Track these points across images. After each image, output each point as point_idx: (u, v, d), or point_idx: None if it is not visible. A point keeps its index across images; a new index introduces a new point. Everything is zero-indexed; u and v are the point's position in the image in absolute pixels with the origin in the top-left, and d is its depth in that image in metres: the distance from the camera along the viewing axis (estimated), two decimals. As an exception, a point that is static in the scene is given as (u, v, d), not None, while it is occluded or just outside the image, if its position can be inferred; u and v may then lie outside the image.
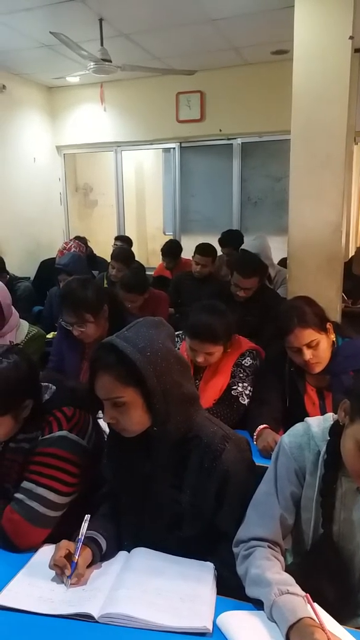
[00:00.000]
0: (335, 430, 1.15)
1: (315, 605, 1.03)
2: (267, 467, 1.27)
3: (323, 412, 1.92)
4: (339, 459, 1.12)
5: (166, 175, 5.99)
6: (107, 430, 1.38)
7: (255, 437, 1.86)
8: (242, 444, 1.31)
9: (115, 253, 4.11)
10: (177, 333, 2.17)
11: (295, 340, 1.87)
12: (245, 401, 2.05)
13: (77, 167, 6.62)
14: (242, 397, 2.05)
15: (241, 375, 2.08)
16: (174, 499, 1.26)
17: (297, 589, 1.03)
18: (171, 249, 4.79)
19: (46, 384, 1.47)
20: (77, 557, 1.15)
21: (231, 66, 4.91)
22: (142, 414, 1.20)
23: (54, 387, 1.47)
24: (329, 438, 1.17)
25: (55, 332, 2.72)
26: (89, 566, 1.19)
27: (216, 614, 1.06)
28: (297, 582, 1.07)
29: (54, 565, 1.15)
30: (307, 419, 1.26)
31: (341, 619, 1.03)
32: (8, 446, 1.40)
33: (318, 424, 1.22)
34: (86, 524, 1.20)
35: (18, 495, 1.32)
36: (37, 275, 5.04)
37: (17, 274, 4.00)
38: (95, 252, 5.12)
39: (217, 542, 1.26)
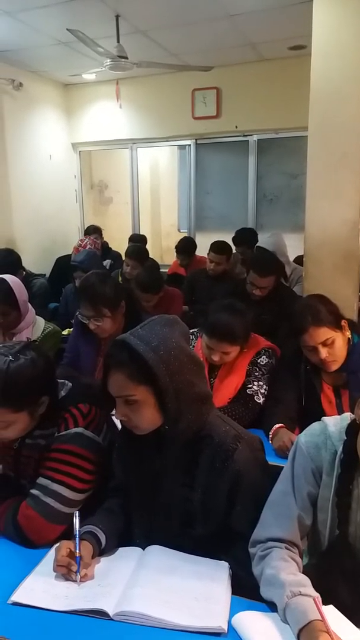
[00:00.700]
0: (352, 430, 1.14)
1: (330, 607, 1.02)
2: (281, 467, 1.26)
3: (340, 410, 1.90)
4: (356, 459, 1.11)
5: (181, 172, 5.98)
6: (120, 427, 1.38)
7: (270, 436, 1.85)
8: (255, 444, 1.30)
9: (130, 250, 4.11)
10: (191, 331, 2.17)
11: (310, 339, 1.85)
12: (261, 400, 2.04)
13: (93, 164, 6.64)
14: (258, 395, 2.04)
15: (257, 373, 2.06)
16: (185, 498, 1.26)
17: (311, 590, 1.03)
18: (185, 246, 4.78)
19: (62, 380, 1.47)
20: (78, 551, 1.15)
21: (248, 62, 4.88)
22: (154, 413, 1.20)
23: (70, 384, 1.47)
24: (345, 438, 1.15)
25: (71, 329, 2.74)
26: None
27: (231, 614, 1.05)
28: (312, 583, 1.06)
29: (57, 566, 1.15)
30: (324, 418, 1.25)
31: (357, 621, 1.02)
32: (24, 442, 1.40)
33: (335, 423, 1.21)
34: (77, 519, 1.21)
35: (33, 491, 1.33)
36: (52, 272, 5.07)
37: (33, 270, 4.02)
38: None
39: (231, 542, 1.25)
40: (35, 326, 2.57)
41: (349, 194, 2.84)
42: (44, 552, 1.26)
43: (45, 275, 4.44)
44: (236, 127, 5.17)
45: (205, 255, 4.12)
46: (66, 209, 6.02)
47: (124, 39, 3.86)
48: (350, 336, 1.93)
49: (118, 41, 3.82)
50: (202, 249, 4.49)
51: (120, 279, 3.92)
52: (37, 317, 2.61)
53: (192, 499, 1.25)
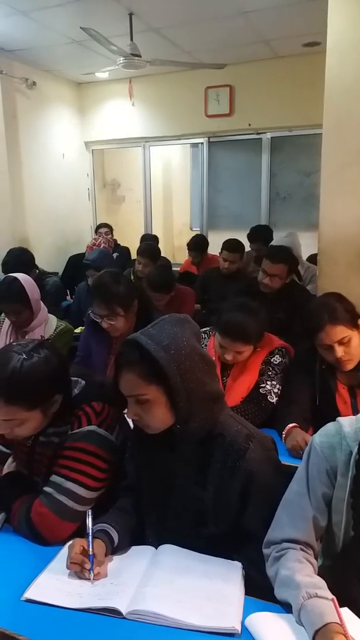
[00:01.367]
0: (368, 431, 1.13)
1: (345, 609, 1.01)
2: (294, 467, 1.25)
3: (355, 410, 1.88)
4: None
5: (194, 170, 5.97)
6: (132, 426, 1.38)
7: (284, 436, 1.84)
8: (267, 443, 1.29)
9: (142, 249, 4.11)
10: (203, 330, 2.16)
11: (327, 337, 1.83)
12: (274, 399, 2.02)
13: (105, 162, 6.66)
14: (271, 395, 2.02)
15: (270, 373, 2.05)
16: (197, 497, 1.25)
17: (327, 592, 1.01)
18: (197, 244, 4.76)
19: (75, 378, 1.48)
20: (91, 550, 1.15)
21: (261, 59, 4.85)
22: (166, 412, 1.20)
23: (83, 382, 1.48)
24: (361, 438, 1.14)
25: (83, 327, 2.74)
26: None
27: (244, 615, 1.05)
28: (328, 584, 1.05)
29: (71, 564, 1.15)
30: (339, 418, 1.23)
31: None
32: (38, 440, 1.41)
33: (350, 423, 1.19)
34: (90, 518, 1.21)
35: (47, 489, 1.34)
36: (65, 271, 5.09)
37: (46, 269, 4.04)
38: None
39: (243, 541, 1.24)
40: (47, 324, 2.58)
41: (364, 192, 2.81)
42: (57, 549, 1.26)
43: (58, 273, 4.46)
44: (249, 125, 5.14)
45: (218, 254, 4.10)
46: (79, 208, 6.04)
47: (137, 37, 3.86)
48: None
49: (131, 39, 3.82)
50: (215, 248, 4.47)
51: (132, 277, 3.92)
52: (49, 315, 2.62)
53: (204, 499, 1.25)
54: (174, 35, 4.25)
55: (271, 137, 5.24)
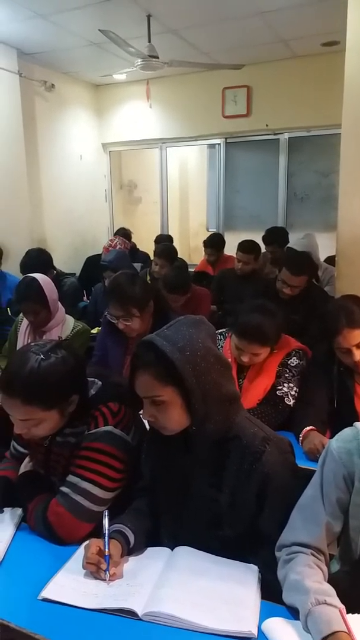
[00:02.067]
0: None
1: (356, 616, 0.99)
2: (312, 470, 1.24)
3: (374, 414, 1.86)
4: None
5: (211, 171, 5.96)
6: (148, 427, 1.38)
7: (301, 439, 1.82)
8: (284, 446, 1.28)
9: (159, 249, 4.12)
10: (219, 331, 2.15)
11: (344, 341, 1.81)
12: (291, 402, 2.00)
13: (122, 164, 6.69)
14: (288, 397, 2.00)
15: (287, 375, 2.03)
16: (213, 499, 1.25)
17: (336, 600, 1.00)
18: (213, 241, 4.76)
19: (92, 379, 1.48)
20: (107, 550, 1.16)
21: (279, 59, 4.82)
22: (181, 413, 1.19)
23: (100, 383, 1.48)
24: (379, 444, 1.12)
25: (99, 328, 2.75)
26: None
27: (261, 619, 1.04)
28: (344, 591, 1.04)
29: (87, 564, 1.15)
30: (357, 423, 1.22)
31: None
32: (55, 440, 1.42)
33: (368, 428, 1.18)
34: (106, 519, 1.21)
35: (63, 489, 1.34)
36: (82, 272, 5.12)
37: (63, 269, 4.07)
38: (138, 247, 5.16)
39: (259, 544, 1.23)
40: (65, 325, 2.59)
41: (384, 192, 2.77)
42: (74, 549, 1.27)
43: (75, 274, 4.49)
44: (267, 125, 5.12)
45: (234, 255, 4.09)
46: (96, 209, 6.08)
47: (155, 39, 3.87)
48: None
49: (149, 41, 3.83)
50: (231, 248, 4.46)
51: (148, 278, 3.92)
52: (67, 315, 2.64)
53: (219, 501, 1.24)
54: (192, 36, 4.26)
55: (289, 138, 5.21)
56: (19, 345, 2.58)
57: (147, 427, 1.38)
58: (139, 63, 3.81)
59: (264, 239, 4.44)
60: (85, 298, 4.32)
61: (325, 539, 1.15)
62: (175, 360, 1.15)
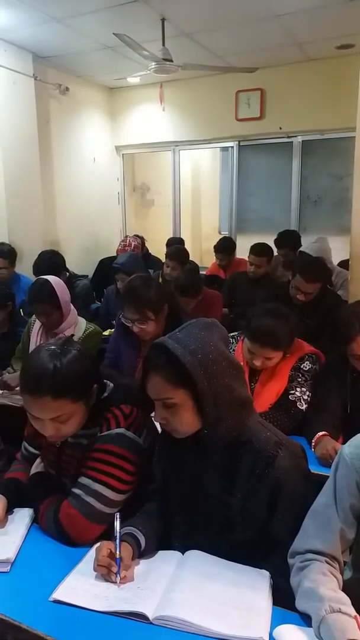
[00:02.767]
0: None
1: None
2: (324, 476, 1.23)
3: (387, 420, 1.83)
4: None
5: (223, 174, 5.96)
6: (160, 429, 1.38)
7: (313, 444, 1.81)
8: (297, 451, 1.27)
9: (170, 252, 4.12)
10: (231, 334, 2.14)
11: (358, 347, 1.80)
12: (303, 407, 1.99)
13: (135, 166, 6.71)
14: (300, 402, 1.99)
15: (300, 379, 2.02)
16: (224, 503, 1.24)
17: (351, 609, 0.99)
18: (223, 246, 4.75)
19: (105, 381, 1.48)
20: (118, 553, 1.16)
21: (293, 62, 4.81)
22: (193, 416, 1.19)
23: (112, 385, 1.48)
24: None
25: (111, 330, 2.76)
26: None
27: (272, 626, 1.03)
28: (357, 597, 1.02)
29: (98, 566, 1.15)
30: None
31: None
32: (67, 441, 1.42)
33: (381, 434, 1.17)
34: (118, 521, 1.21)
35: (75, 490, 1.34)
36: (95, 274, 5.13)
37: (75, 271, 4.09)
38: (150, 251, 5.16)
39: (270, 549, 1.23)
40: (77, 326, 2.61)
41: None
42: (85, 550, 1.27)
43: (87, 276, 4.51)
44: (280, 128, 5.11)
45: (246, 258, 4.07)
46: (109, 212, 6.10)
47: (169, 42, 3.87)
48: None
49: (163, 44, 3.83)
50: (244, 251, 4.45)
51: (160, 280, 3.93)
52: (79, 317, 2.65)
53: (231, 505, 1.23)
54: (206, 39, 4.26)
55: (302, 141, 5.19)
56: (32, 346, 2.59)
57: (159, 429, 1.38)
58: (153, 66, 3.83)
59: (276, 242, 4.43)
60: (97, 300, 4.33)
61: (340, 547, 1.13)
62: (187, 363, 1.15)
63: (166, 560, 1.23)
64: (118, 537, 1.18)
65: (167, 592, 1.11)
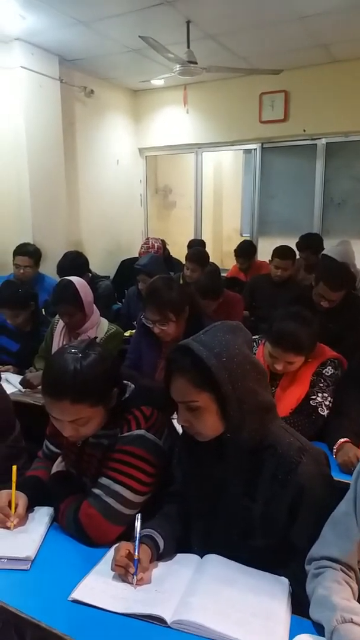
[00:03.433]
0: None
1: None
2: (345, 482, 1.21)
3: None
4: None
5: (246, 176, 5.94)
6: (180, 431, 1.38)
7: (334, 450, 1.78)
8: (320, 458, 1.26)
9: (191, 254, 4.12)
10: (253, 338, 2.13)
11: (382, 352, 1.77)
12: (325, 412, 1.96)
13: (158, 169, 6.74)
14: (322, 407, 1.96)
15: (321, 385, 1.99)
16: (245, 507, 1.23)
17: None
18: (244, 249, 4.72)
19: (126, 382, 1.49)
20: (137, 554, 1.16)
21: (318, 64, 4.77)
22: (216, 420, 1.19)
23: (133, 386, 1.49)
24: None
25: (132, 330, 2.77)
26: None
27: (291, 635, 1.02)
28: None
29: (116, 566, 1.16)
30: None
31: None
32: (88, 441, 1.43)
33: None
34: (139, 522, 1.21)
35: (95, 491, 1.35)
36: (116, 275, 5.16)
37: (98, 272, 4.13)
38: (171, 253, 5.16)
39: (290, 556, 1.21)
40: (99, 327, 2.63)
41: None
42: (104, 551, 1.27)
43: (109, 277, 4.54)
44: (304, 130, 5.06)
45: (267, 261, 4.04)
46: (131, 213, 6.14)
47: (194, 44, 3.88)
48: None
49: (188, 47, 3.84)
50: (265, 254, 4.42)
51: (180, 281, 3.93)
52: (101, 318, 2.67)
53: (252, 510, 1.22)
54: (231, 41, 4.25)
55: (326, 143, 5.14)
56: (54, 346, 2.62)
57: (180, 431, 1.38)
58: (177, 69, 3.84)
59: (298, 245, 4.39)
60: (118, 301, 4.36)
61: (357, 556, 1.12)
62: (212, 366, 1.14)
63: (185, 564, 1.23)
64: (137, 539, 1.18)
65: (186, 596, 1.10)
